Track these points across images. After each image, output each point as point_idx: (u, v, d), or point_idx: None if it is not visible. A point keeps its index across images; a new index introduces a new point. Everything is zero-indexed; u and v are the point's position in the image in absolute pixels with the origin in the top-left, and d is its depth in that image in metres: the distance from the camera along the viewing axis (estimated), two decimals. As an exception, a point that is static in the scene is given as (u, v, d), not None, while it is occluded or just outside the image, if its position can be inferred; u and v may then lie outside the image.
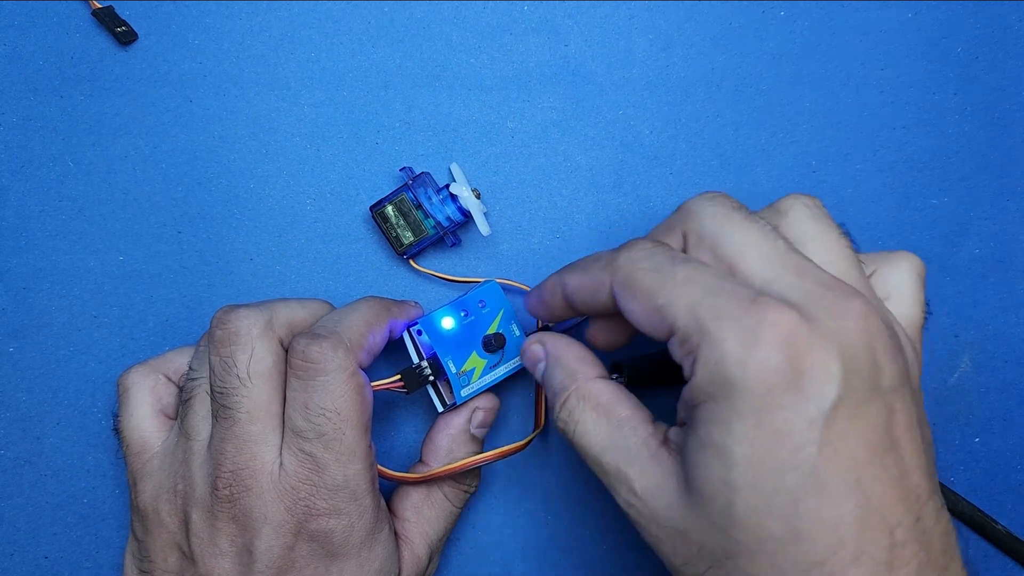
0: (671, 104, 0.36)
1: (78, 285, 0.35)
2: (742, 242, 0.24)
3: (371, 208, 0.34)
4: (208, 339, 0.29)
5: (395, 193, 0.34)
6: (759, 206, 0.37)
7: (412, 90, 0.36)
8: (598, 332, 0.30)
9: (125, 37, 0.35)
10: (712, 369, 0.22)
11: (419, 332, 0.32)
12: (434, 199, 0.34)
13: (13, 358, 0.35)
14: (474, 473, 0.34)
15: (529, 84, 0.36)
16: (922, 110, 0.37)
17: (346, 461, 0.28)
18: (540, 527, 0.36)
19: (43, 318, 0.35)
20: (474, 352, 0.32)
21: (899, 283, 0.27)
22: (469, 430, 0.33)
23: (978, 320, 0.37)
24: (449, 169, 0.35)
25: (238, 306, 0.29)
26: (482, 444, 0.34)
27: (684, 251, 0.26)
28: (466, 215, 0.34)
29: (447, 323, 0.32)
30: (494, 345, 0.32)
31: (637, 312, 0.25)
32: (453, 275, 0.35)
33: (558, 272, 0.29)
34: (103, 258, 0.35)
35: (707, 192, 0.27)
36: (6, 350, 0.35)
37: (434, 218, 0.34)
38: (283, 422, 0.28)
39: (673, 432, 0.25)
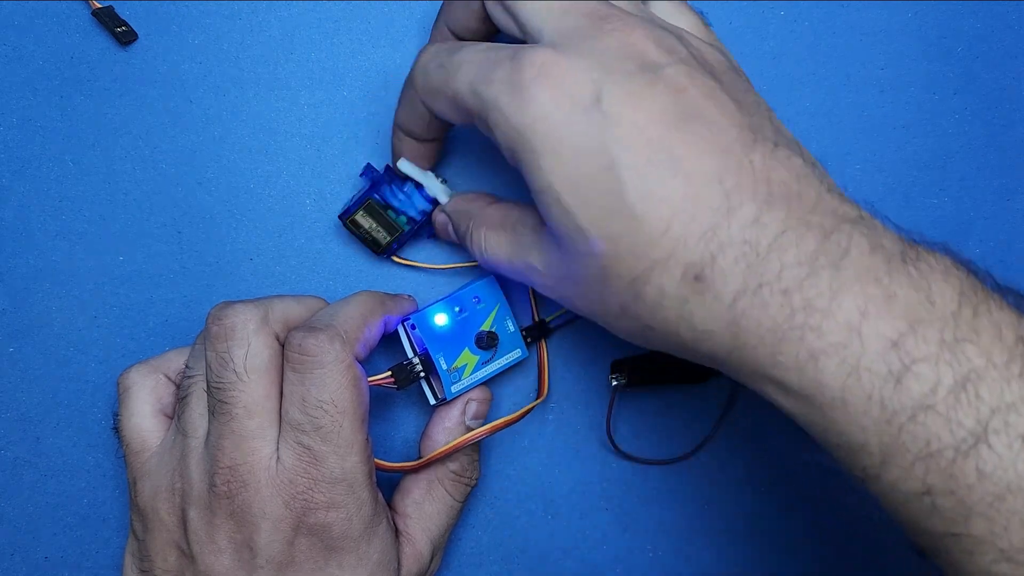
0: (671, 104, 0.36)
1: (78, 285, 0.35)
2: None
3: (340, 217, 0.34)
4: (204, 335, 0.29)
5: (361, 198, 0.33)
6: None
7: (412, 90, 0.36)
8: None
9: (125, 37, 0.35)
10: (504, 130, 0.25)
11: (412, 327, 0.33)
12: (399, 195, 0.33)
13: (13, 358, 0.35)
14: (474, 466, 0.34)
15: (529, 84, 0.36)
16: (922, 110, 0.37)
17: (344, 453, 0.28)
18: (540, 527, 0.36)
19: (43, 318, 0.35)
20: (466, 348, 0.32)
21: (663, 8, 0.29)
22: (464, 422, 0.33)
23: (978, 320, 0.37)
24: (397, 167, 0.34)
25: (234, 302, 0.29)
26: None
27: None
28: (436, 203, 0.34)
29: (440, 319, 0.32)
30: (486, 343, 0.33)
31: (443, 109, 0.28)
32: (445, 266, 0.35)
33: (394, 123, 0.32)
34: (103, 258, 0.35)
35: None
36: (6, 350, 0.35)
37: (405, 214, 0.34)
38: (280, 416, 0.28)
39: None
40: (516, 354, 0.34)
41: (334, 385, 0.28)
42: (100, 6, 0.34)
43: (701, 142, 0.23)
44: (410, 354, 0.33)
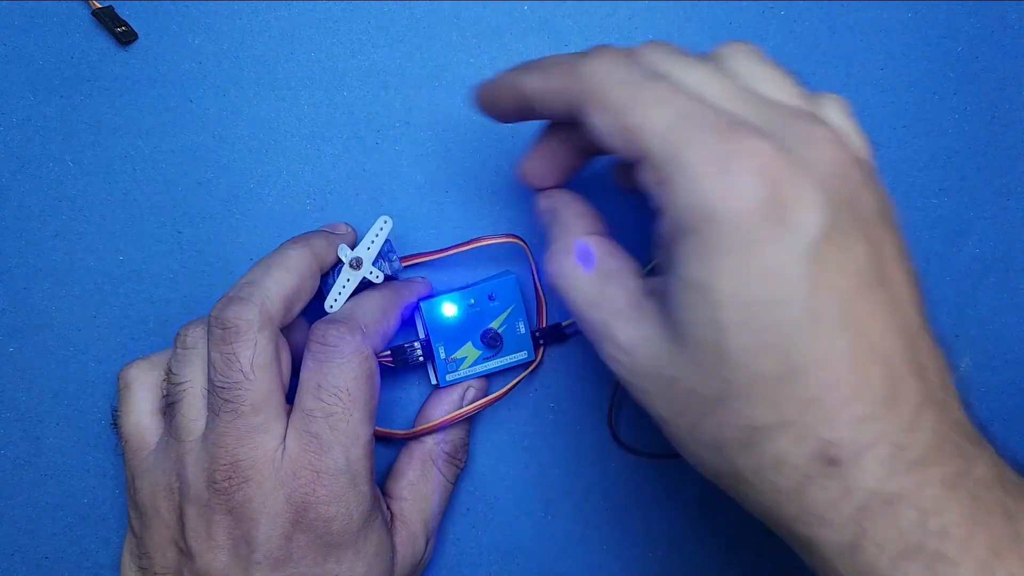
0: (671, 104, 0.36)
1: (78, 285, 0.35)
2: (697, 80, 0.23)
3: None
4: (208, 338, 0.29)
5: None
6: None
7: (412, 90, 0.36)
8: (545, 156, 0.29)
9: (125, 37, 0.35)
10: (688, 201, 0.21)
11: (418, 311, 0.33)
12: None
13: (13, 358, 0.35)
14: (465, 449, 0.35)
15: (529, 84, 0.36)
16: (921, 110, 0.37)
17: (350, 444, 0.28)
18: (540, 527, 0.36)
19: (43, 318, 0.35)
20: (469, 342, 0.33)
21: (838, 121, 0.25)
22: (461, 407, 0.34)
23: (978, 320, 0.37)
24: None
25: (233, 300, 0.29)
26: (471, 420, 0.35)
27: None
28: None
29: (449, 309, 0.33)
30: (490, 342, 0.33)
31: (605, 129, 0.23)
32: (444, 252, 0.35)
33: (513, 70, 0.27)
34: (103, 258, 0.35)
35: (648, 42, 0.25)
36: (6, 350, 0.35)
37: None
38: (285, 409, 0.29)
39: (656, 281, 0.25)
40: (522, 355, 0.34)
41: (351, 374, 0.29)
42: (100, 6, 0.34)
43: (885, 315, 0.21)
44: (420, 335, 0.34)
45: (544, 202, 0.29)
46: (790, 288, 0.20)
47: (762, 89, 0.24)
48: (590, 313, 0.25)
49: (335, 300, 0.32)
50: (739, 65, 0.24)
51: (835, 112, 0.25)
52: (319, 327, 0.29)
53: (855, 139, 0.25)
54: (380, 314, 0.31)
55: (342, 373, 0.29)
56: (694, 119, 0.22)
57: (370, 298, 0.32)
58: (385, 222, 0.32)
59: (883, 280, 0.22)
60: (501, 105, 0.28)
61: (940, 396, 0.22)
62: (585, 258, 0.26)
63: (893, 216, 0.24)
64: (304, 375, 0.29)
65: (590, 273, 0.26)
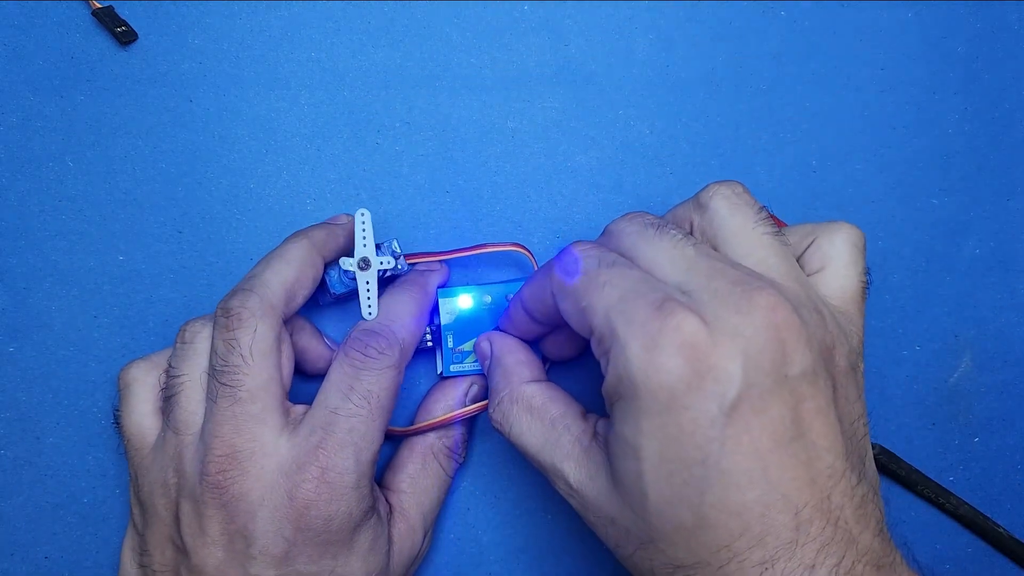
0: (671, 104, 0.36)
1: (78, 285, 0.35)
2: (653, 256, 0.26)
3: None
4: (213, 329, 0.29)
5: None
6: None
7: (412, 90, 0.36)
8: (550, 345, 0.33)
9: (125, 37, 0.35)
10: (620, 372, 0.24)
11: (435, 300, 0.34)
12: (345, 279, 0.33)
13: (13, 358, 0.35)
14: (465, 444, 0.35)
15: (529, 84, 0.36)
16: (922, 110, 0.37)
17: (364, 447, 0.29)
18: (540, 527, 0.36)
19: (43, 318, 0.35)
20: (479, 337, 0.33)
21: (834, 254, 0.28)
22: (464, 403, 0.34)
23: (978, 320, 0.37)
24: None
25: (237, 292, 0.30)
26: (473, 417, 0.35)
27: None
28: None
29: (464, 301, 0.34)
30: None
31: (568, 311, 0.27)
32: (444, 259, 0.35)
33: (518, 291, 0.31)
34: (103, 258, 0.35)
35: (627, 214, 0.29)
36: (6, 350, 0.35)
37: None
38: (284, 406, 0.29)
39: (601, 425, 0.27)
40: None
41: (385, 383, 0.30)
42: (100, 6, 0.34)
43: (796, 467, 0.23)
44: (435, 321, 0.34)
45: (484, 345, 0.33)
46: (705, 450, 0.23)
47: (727, 245, 0.27)
48: (540, 457, 0.28)
49: (369, 308, 0.32)
50: (712, 218, 0.28)
51: (837, 243, 0.28)
52: (361, 337, 0.30)
53: (851, 272, 0.28)
54: (415, 326, 0.32)
55: (377, 381, 0.29)
56: (633, 300, 0.24)
57: (405, 306, 0.32)
58: (362, 214, 0.32)
59: (802, 434, 0.23)
60: (519, 323, 0.32)
61: (852, 532, 0.23)
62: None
63: (841, 359, 0.25)
64: (335, 376, 0.30)
65: (537, 420, 0.29)
